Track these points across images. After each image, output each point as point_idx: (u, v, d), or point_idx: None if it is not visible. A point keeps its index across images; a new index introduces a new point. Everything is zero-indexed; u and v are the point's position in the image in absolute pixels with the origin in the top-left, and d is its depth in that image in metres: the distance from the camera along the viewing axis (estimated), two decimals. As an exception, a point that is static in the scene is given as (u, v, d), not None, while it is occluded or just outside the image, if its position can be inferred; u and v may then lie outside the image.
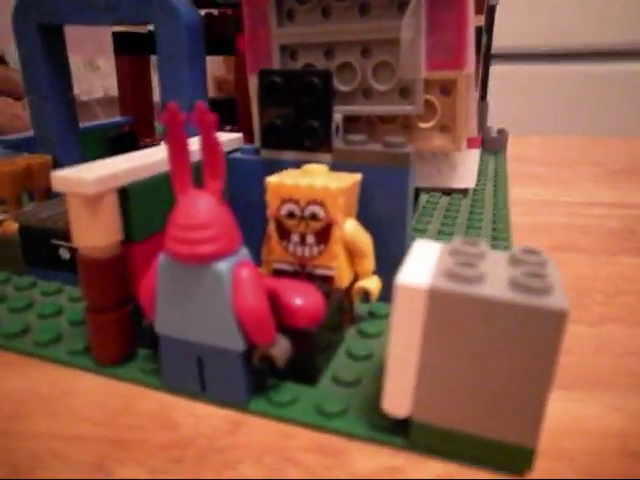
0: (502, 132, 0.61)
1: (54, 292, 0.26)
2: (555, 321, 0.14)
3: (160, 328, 0.18)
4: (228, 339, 0.17)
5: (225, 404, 0.19)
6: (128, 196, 0.19)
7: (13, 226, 0.27)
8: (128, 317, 0.20)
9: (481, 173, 0.51)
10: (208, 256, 0.16)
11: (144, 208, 0.20)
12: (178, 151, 0.16)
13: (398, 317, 0.15)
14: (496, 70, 0.63)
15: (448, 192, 0.43)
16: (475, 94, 0.25)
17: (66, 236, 0.26)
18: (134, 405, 0.19)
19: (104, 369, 0.20)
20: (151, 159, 0.20)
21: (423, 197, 0.43)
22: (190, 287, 0.17)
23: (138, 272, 0.20)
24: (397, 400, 0.16)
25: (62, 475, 0.16)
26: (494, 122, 0.65)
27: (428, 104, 0.25)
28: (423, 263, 0.16)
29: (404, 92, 0.24)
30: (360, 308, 0.24)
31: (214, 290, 0.17)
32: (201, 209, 0.16)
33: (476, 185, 0.47)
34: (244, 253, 0.18)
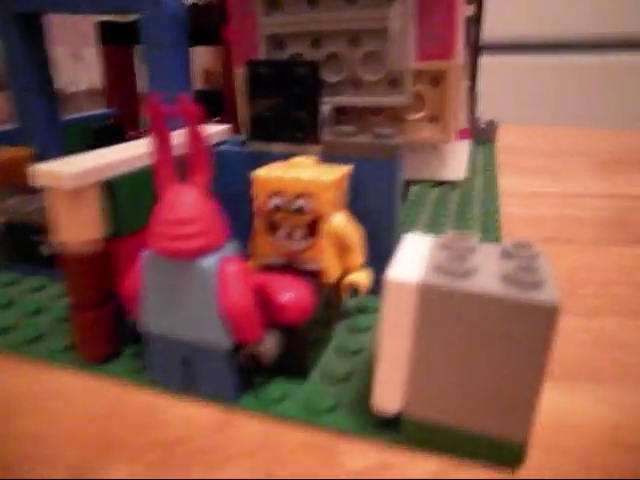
0: (491, 123, 0.60)
1: (36, 289, 0.26)
2: (546, 316, 0.13)
3: (145, 326, 0.18)
4: (214, 337, 0.17)
5: (214, 401, 0.18)
6: (113, 190, 0.19)
7: (-6, 221, 0.26)
8: (113, 313, 0.20)
9: (471, 164, 0.51)
10: (194, 252, 0.16)
11: (129, 202, 0.19)
12: (161, 144, 0.16)
13: (388, 313, 0.15)
14: (485, 61, 0.63)
15: (438, 184, 0.43)
16: (465, 85, 0.25)
17: (47, 232, 0.25)
18: (120, 404, 0.18)
19: (89, 367, 0.20)
20: (137, 151, 0.20)
21: (413, 189, 0.43)
22: (175, 284, 0.17)
23: (122, 268, 0.19)
24: (387, 397, 0.16)
25: (50, 476, 0.15)
26: (483, 113, 0.64)
27: (417, 95, 0.24)
28: (413, 257, 0.16)
29: (393, 83, 0.24)
30: (350, 302, 0.24)
31: (199, 287, 0.16)
32: (186, 203, 0.16)
33: (466, 176, 0.47)
34: (231, 248, 0.17)
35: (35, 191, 0.29)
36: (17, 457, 0.16)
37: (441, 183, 0.43)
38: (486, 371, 0.15)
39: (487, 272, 0.15)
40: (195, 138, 0.16)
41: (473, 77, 0.57)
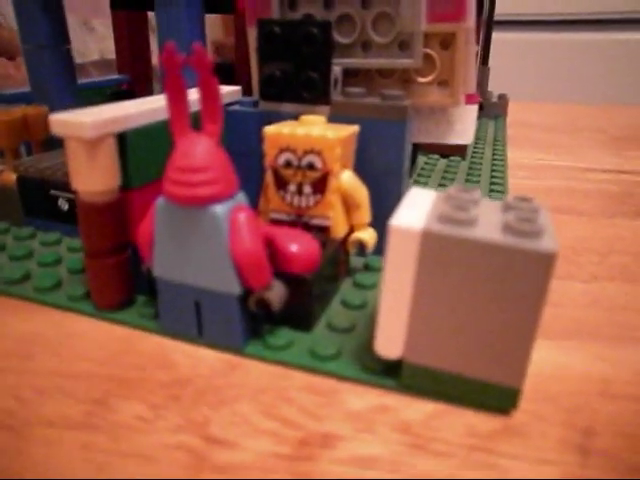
0: (502, 97, 0.60)
1: (53, 242, 0.26)
2: (544, 263, 0.14)
3: (158, 272, 0.19)
4: (225, 282, 0.18)
5: (222, 347, 0.19)
6: (126, 142, 0.19)
7: (11, 176, 0.27)
8: (126, 262, 0.20)
9: (480, 137, 0.51)
10: (206, 198, 0.16)
11: (142, 155, 0.20)
12: (176, 93, 0.16)
13: (391, 259, 0.15)
14: (498, 37, 0.62)
15: (446, 154, 0.43)
16: (474, 49, 0.25)
17: (65, 187, 0.26)
18: (134, 346, 0.19)
19: (104, 314, 0.21)
20: (149, 107, 0.20)
21: (421, 159, 0.43)
22: (188, 230, 0.17)
23: (135, 218, 0.20)
24: (389, 342, 0.17)
25: (67, 408, 0.16)
26: (495, 89, 0.64)
27: (427, 58, 0.24)
28: (417, 208, 0.16)
29: (403, 45, 0.24)
30: (355, 261, 0.25)
31: (211, 233, 0.17)
32: (199, 152, 0.16)
33: (475, 148, 0.47)
34: (241, 197, 0.18)
35: (50, 149, 0.30)
36: (41, 390, 0.17)
37: (449, 154, 0.43)
38: (484, 317, 0.15)
39: (488, 222, 0.15)
40: (208, 87, 0.16)
41: (486, 52, 0.57)
